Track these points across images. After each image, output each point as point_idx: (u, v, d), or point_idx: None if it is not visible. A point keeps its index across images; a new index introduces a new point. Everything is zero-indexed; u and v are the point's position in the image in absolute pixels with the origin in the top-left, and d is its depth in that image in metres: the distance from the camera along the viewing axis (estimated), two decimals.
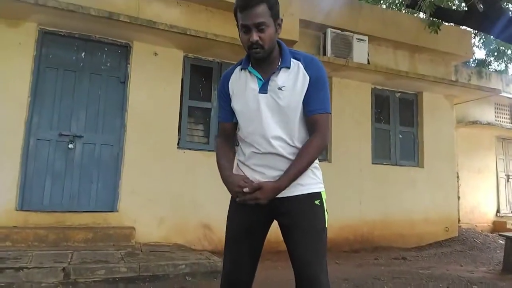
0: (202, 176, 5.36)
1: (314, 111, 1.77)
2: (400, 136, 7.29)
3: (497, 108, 9.72)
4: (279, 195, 1.73)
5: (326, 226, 1.77)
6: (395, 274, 4.59)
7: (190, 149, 5.53)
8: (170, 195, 5.24)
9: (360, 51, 6.63)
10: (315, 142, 1.77)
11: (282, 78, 1.77)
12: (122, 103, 5.25)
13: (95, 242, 4.59)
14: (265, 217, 1.80)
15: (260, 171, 1.78)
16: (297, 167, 1.72)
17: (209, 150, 5.49)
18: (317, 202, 1.77)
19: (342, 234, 6.32)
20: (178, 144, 5.47)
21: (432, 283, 4.27)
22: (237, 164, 1.88)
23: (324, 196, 1.81)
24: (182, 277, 4.00)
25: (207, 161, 5.47)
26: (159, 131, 5.31)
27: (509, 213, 9.17)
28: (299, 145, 1.79)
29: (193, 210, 5.31)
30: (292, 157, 1.78)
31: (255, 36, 1.71)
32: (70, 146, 4.94)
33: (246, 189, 1.66)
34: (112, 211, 5.01)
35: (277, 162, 1.77)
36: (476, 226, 8.36)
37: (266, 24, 1.70)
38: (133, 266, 3.88)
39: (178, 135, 5.50)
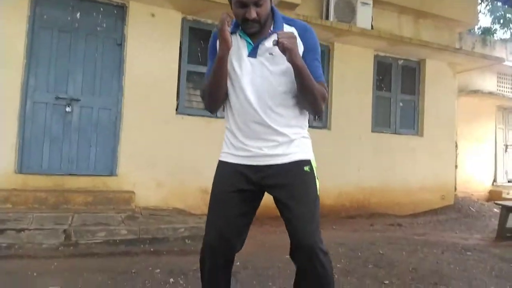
0: (201, 141, 5.35)
1: (314, 78, 1.70)
2: (401, 104, 7.24)
3: (500, 78, 9.62)
4: (266, 163, 1.69)
5: (318, 193, 1.74)
6: (390, 240, 4.68)
7: (188, 115, 5.48)
8: (169, 160, 5.25)
9: (364, 16, 6.45)
10: (321, 88, 1.71)
11: None
12: (119, 66, 5.15)
13: (95, 205, 4.63)
14: (253, 188, 1.73)
15: (247, 141, 1.72)
16: (310, 74, 1.65)
17: (208, 116, 5.44)
18: (306, 168, 1.72)
19: (339, 200, 6.40)
20: (176, 109, 5.42)
21: (427, 248, 4.35)
22: (225, 132, 1.82)
23: (314, 164, 1.76)
24: (181, 240, 4.06)
25: (206, 127, 5.44)
26: (157, 96, 5.24)
27: (506, 182, 9.26)
28: (288, 115, 1.73)
29: (192, 175, 5.33)
30: (280, 128, 1.71)
31: (253, 13, 1.63)
32: (68, 109, 4.88)
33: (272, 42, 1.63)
34: (111, 175, 5.02)
35: (265, 131, 1.71)
36: (472, 195, 8.46)
37: None
38: (133, 229, 3.93)
39: (177, 100, 5.44)
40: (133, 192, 4.93)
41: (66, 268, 3.06)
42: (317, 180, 1.74)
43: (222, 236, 1.74)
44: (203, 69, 5.64)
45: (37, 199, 4.47)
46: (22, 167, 4.72)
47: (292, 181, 1.69)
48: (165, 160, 5.22)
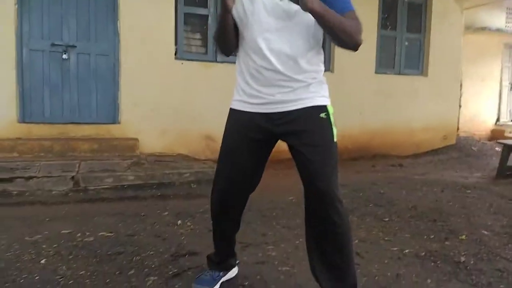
0: (201, 87, 5.29)
1: (340, 11, 1.54)
2: (406, 43, 7.04)
3: (509, 14, 9.24)
4: (280, 109, 1.62)
5: (335, 140, 1.66)
6: (391, 180, 4.77)
7: (188, 60, 5.37)
8: (171, 107, 5.23)
9: None
10: (350, 21, 1.55)
11: None
12: (113, 10, 4.98)
13: (100, 152, 4.69)
14: (266, 136, 1.69)
15: (260, 87, 1.64)
16: (333, 14, 1.50)
17: (207, 61, 5.34)
18: (323, 115, 1.64)
19: (342, 143, 6.37)
20: (175, 54, 5.31)
21: (426, 187, 4.44)
22: (237, 79, 1.75)
23: (331, 110, 1.67)
24: (187, 185, 4.16)
25: (206, 71, 5.35)
26: (154, 40, 5.10)
27: (509, 121, 9.23)
28: (302, 60, 1.61)
29: (194, 121, 5.34)
30: (294, 74, 1.60)
31: None
32: (64, 56, 4.79)
33: None
34: (114, 123, 5.04)
35: (279, 78, 1.60)
36: (474, 134, 8.48)
37: None
38: (139, 175, 4.02)
39: (175, 45, 5.30)
40: (137, 139, 4.97)
41: (77, 213, 3.17)
42: (334, 126, 1.67)
43: (235, 183, 1.75)
44: (202, 11, 5.45)
45: (42, 148, 4.52)
46: (24, 116, 4.73)
47: (307, 127, 1.61)
48: (166, 106, 5.20)
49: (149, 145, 5.11)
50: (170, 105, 5.22)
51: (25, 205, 3.36)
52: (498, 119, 9.12)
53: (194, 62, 5.38)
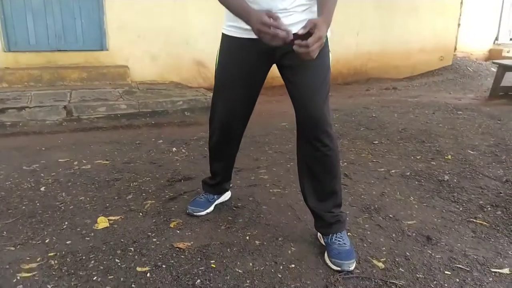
0: (193, 10, 5.06)
1: None
2: None
3: None
4: None
5: (330, 64, 1.64)
6: (384, 103, 4.80)
7: None
8: (161, 32, 5.05)
9: None
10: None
11: None
12: None
13: (90, 81, 4.64)
14: (261, 61, 1.65)
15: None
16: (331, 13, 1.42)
17: None
18: None
19: (336, 67, 6.34)
20: None
21: (419, 110, 4.49)
22: None
23: (328, 34, 1.58)
24: (181, 113, 4.17)
25: None
26: None
27: (508, 41, 9.02)
28: None
29: (186, 47, 5.20)
30: None
31: None
32: None
33: (301, 31, 1.30)
34: (102, 50, 4.91)
35: (271, 4, 1.50)
36: (471, 54, 8.34)
37: None
38: (132, 103, 4.00)
39: None
40: (127, 67, 4.88)
41: (72, 142, 3.21)
42: (330, 53, 1.63)
43: (235, 112, 1.77)
44: None
45: (32, 77, 4.46)
46: (10, 45, 4.59)
47: None
48: (156, 31, 5.02)
49: (140, 73, 5.03)
50: (160, 29, 5.04)
51: (19, 135, 3.39)
52: (496, 38, 8.90)
53: None
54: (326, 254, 1.67)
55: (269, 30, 1.33)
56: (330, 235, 1.70)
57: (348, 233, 1.83)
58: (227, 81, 1.73)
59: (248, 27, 1.48)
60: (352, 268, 1.59)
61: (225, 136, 1.85)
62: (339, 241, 1.68)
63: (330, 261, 1.62)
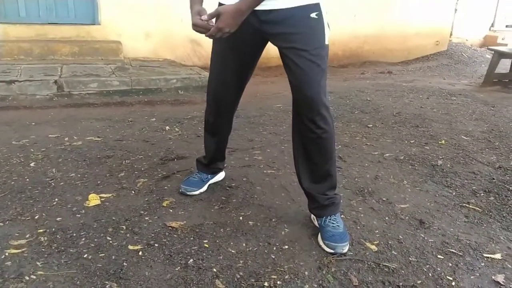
0: None
1: None
2: None
3: None
4: (269, 7, 1.48)
5: (327, 42, 1.57)
6: (378, 87, 4.77)
7: None
8: (155, 7, 4.93)
9: None
10: None
11: None
12: None
13: (82, 56, 4.53)
14: (255, 36, 1.59)
15: None
16: None
17: None
18: (314, 15, 1.50)
19: (332, 49, 6.20)
20: None
21: (413, 94, 4.48)
22: None
23: (323, 9, 1.54)
24: (174, 91, 4.11)
25: None
26: None
27: (503, 27, 8.99)
28: None
29: (180, 24, 5.08)
30: None
31: None
32: None
33: (204, 17, 1.45)
34: (94, 24, 4.78)
35: None
36: (466, 40, 8.31)
37: None
38: (125, 80, 3.93)
39: None
40: (119, 42, 4.77)
41: (63, 117, 3.15)
42: (327, 27, 1.56)
43: (226, 83, 1.75)
44: None
45: (21, 50, 4.34)
46: None
47: (296, 29, 1.51)
48: (150, 7, 4.90)
49: (133, 49, 4.92)
50: (154, 5, 4.92)
51: (9, 109, 3.31)
52: (492, 25, 8.86)
53: None
54: (319, 236, 1.66)
55: (200, 29, 1.48)
56: (324, 217, 1.69)
57: (342, 216, 1.82)
58: (219, 51, 1.72)
59: None
60: (345, 250, 1.59)
61: (218, 107, 1.85)
62: (333, 223, 1.67)
63: (324, 243, 1.61)
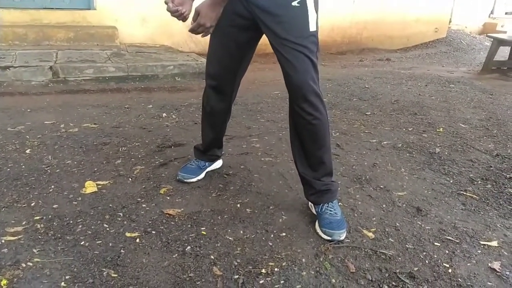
0: None
1: None
2: None
3: None
4: None
5: (314, 29, 1.53)
6: (377, 74, 4.75)
7: None
8: None
9: None
10: None
11: None
12: None
13: (77, 41, 4.47)
14: (249, 22, 1.58)
15: None
16: None
17: None
18: (295, 3, 1.48)
19: (331, 35, 6.24)
20: None
21: (411, 82, 4.46)
22: None
23: None
24: (171, 78, 4.07)
25: None
26: None
27: (503, 15, 8.93)
28: None
29: None
30: None
31: None
32: None
33: (170, 5, 1.53)
34: (90, 9, 4.71)
35: None
36: (465, 27, 8.26)
37: None
38: (121, 66, 3.88)
39: None
40: (115, 28, 4.71)
41: (59, 103, 3.12)
42: (313, 13, 1.52)
43: (224, 69, 1.75)
44: None
45: (16, 36, 4.28)
46: None
47: (279, 18, 1.49)
48: None
49: (129, 35, 4.87)
50: None
51: (4, 95, 3.28)
52: (492, 12, 8.79)
53: None
54: (317, 224, 1.66)
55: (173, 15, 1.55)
56: (321, 204, 1.69)
57: (339, 203, 1.82)
58: (216, 36, 1.70)
59: None
60: (342, 238, 1.59)
61: (215, 91, 1.83)
62: (330, 210, 1.67)
63: (321, 230, 1.62)
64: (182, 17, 1.56)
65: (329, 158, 1.71)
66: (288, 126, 1.74)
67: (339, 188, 1.80)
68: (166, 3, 1.53)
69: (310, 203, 1.79)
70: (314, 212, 1.74)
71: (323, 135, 1.65)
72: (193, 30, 1.58)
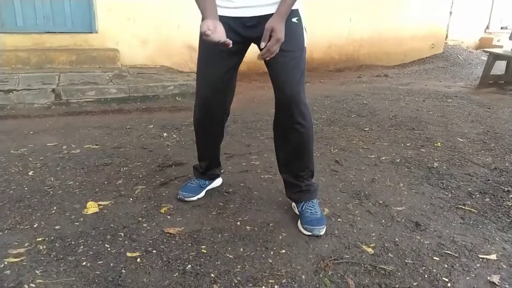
0: None
1: None
2: None
3: None
4: (252, 14, 1.61)
5: (305, 45, 1.70)
6: (375, 91, 4.80)
7: None
8: (151, 14, 4.96)
9: None
10: None
11: None
12: None
13: (79, 64, 4.55)
14: (240, 40, 1.66)
15: None
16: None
17: None
18: (294, 20, 1.63)
19: (329, 53, 6.33)
20: None
21: (409, 97, 4.51)
22: None
23: (302, 15, 1.67)
24: (172, 98, 4.13)
25: None
26: None
27: (499, 29, 9.05)
28: None
29: (177, 31, 5.12)
30: None
31: None
32: None
33: (262, 44, 1.50)
34: (91, 32, 4.81)
35: None
36: (462, 42, 8.36)
37: None
38: (122, 87, 3.95)
39: None
40: (117, 50, 4.79)
41: (61, 126, 3.17)
42: (305, 31, 1.69)
43: (215, 87, 1.78)
44: None
45: (19, 59, 4.36)
46: None
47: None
48: (147, 14, 4.93)
49: (130, 56, 4.95)
50: (151, 12, 4.95)
51: (7, 118, 3.33)
52: (487, 27, 8.92)
53: None
54: (299, 222, 1.79)
55: (208, 39, 1.46)
56: (303, 203, 1.83)
57: (339, 219, 1.85)
58: (204, 55, 1.77)
59: (223, 4, 1.61)
60: (322, 233, 1.72)
61: (206, 111, 1.87)
62: (310, 209, 1.81)
63: (303, 227, 1.76)
64: (228, 43, 1.48)
65: (312, 161, 1.85)
66: (272, 128, 1.87)
67: (318, 187, 1.93)
68: (206, 35, 1.46)
69: (293, 203, 1.92)
70: (297, 212, 1.87)
71: (308, 141, 1.79)
72: (272, 51, 1.53)
